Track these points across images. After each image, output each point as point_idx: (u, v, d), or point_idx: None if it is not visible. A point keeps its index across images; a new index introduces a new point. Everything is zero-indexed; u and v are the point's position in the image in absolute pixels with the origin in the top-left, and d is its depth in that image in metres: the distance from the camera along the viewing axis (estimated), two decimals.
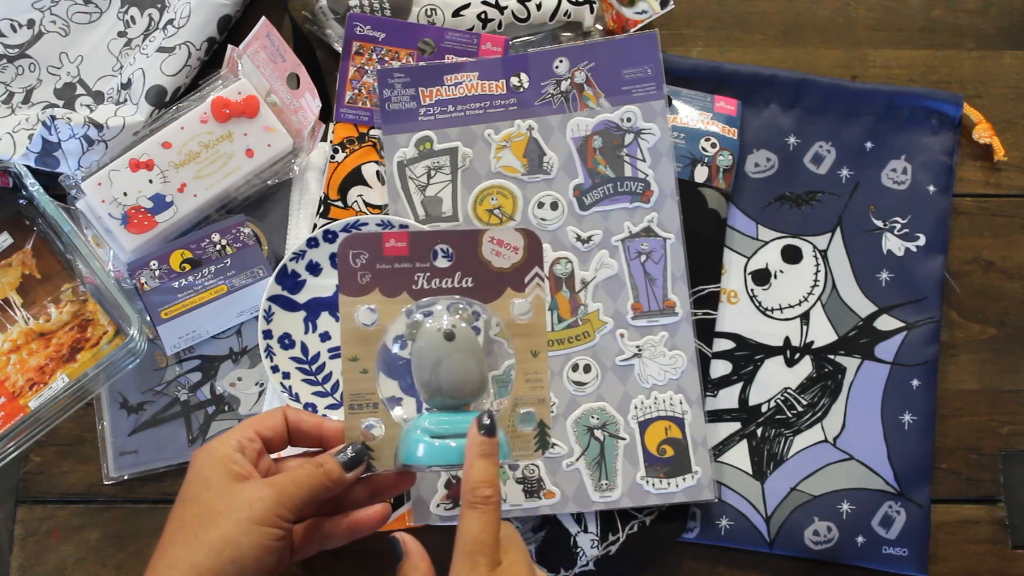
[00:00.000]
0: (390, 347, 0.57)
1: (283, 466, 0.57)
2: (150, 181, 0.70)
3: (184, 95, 0.74)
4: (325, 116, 0.74)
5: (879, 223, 0.74)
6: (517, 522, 0.69)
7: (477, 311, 0.57)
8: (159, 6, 0.77)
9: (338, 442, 0.57)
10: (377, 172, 0.73)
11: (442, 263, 0.57)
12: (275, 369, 0.70)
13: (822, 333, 0.73)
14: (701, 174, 0.73)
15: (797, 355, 0.72)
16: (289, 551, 0.56)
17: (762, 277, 0.74)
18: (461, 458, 0.53)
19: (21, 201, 0.74)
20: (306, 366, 0.71)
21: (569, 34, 0.77)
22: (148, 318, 0.70)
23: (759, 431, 0.71)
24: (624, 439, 0.69)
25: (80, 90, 0.77)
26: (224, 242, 0.71)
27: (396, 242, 0.57)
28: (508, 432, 0.56)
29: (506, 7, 0.75)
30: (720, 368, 0.72)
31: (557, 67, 0.73)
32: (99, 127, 0.70)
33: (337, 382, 0.71)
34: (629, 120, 0.73)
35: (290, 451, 0.60)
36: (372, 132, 0.74)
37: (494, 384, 0.58)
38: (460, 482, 0.67)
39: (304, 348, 0.71)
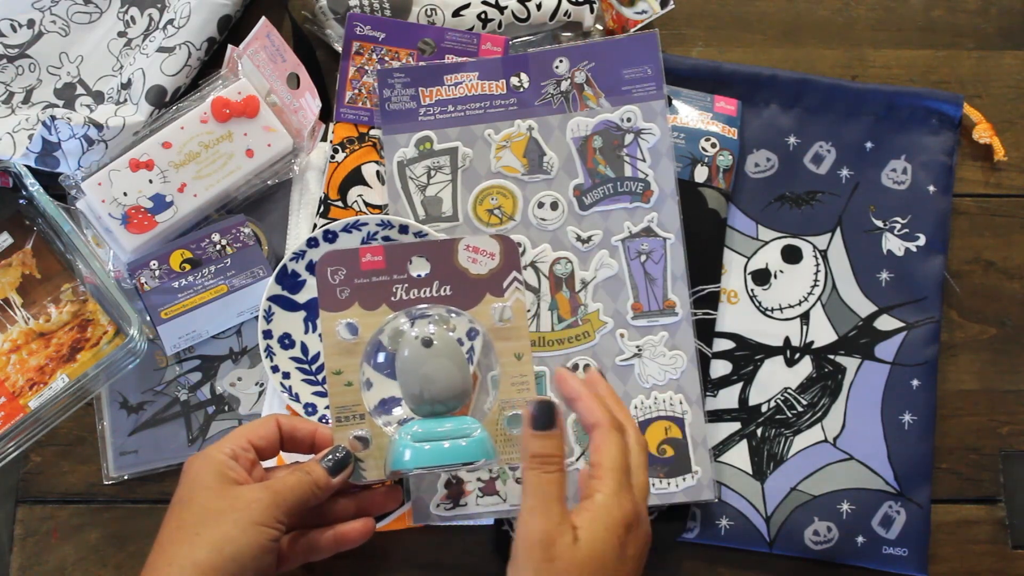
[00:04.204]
0: (379, 358, 0.58)
1: (273, 475, 0.58)
2: (150, 181, 0.70)
3: (184, 95, 0.74)
4: (325, 116, 0.74)
5: (879, 223, 0.74)
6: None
7: (464, 318, 0.58)
8: (159, 6, 0.77)
9: None
10: (377, 172, 0.73)
11: (419, 273, 0.58)
12: (275, 369, 0.70)
13: (822, 333, 0.73)
14: (701, 174, 0.73)
15: (797, 355, 0.72)
16: (276, 560, 0.57)
17: (762, 277, 0.74)
18: (445, 459, 0.54)
19: (21, 201, 0.74)
20: (306, 366, 0.71)
21: (569, 34, 0.77)
22: (148, 318, 0.70)
23: (759, 431, 0.71)
24: None
25: (80, 90, 0.77)
26: (224, 242, 0.71)
27: (372, 256, 0.58)
28: (497, 436, 0.57)
29: (506, 7, 0.75)
30: (720, 368, 0.72)
31: (557, 67, 0.73)
32: (99, 127, 0.70)
33: None
34: (629, 120, 0.73)
35: (285, 456, 0.61)
36: (372, 132, 0.74)
37: (492, 384, 0.58)
38: (460, 483, 0.68)
39: (304, 348, 0.71)
